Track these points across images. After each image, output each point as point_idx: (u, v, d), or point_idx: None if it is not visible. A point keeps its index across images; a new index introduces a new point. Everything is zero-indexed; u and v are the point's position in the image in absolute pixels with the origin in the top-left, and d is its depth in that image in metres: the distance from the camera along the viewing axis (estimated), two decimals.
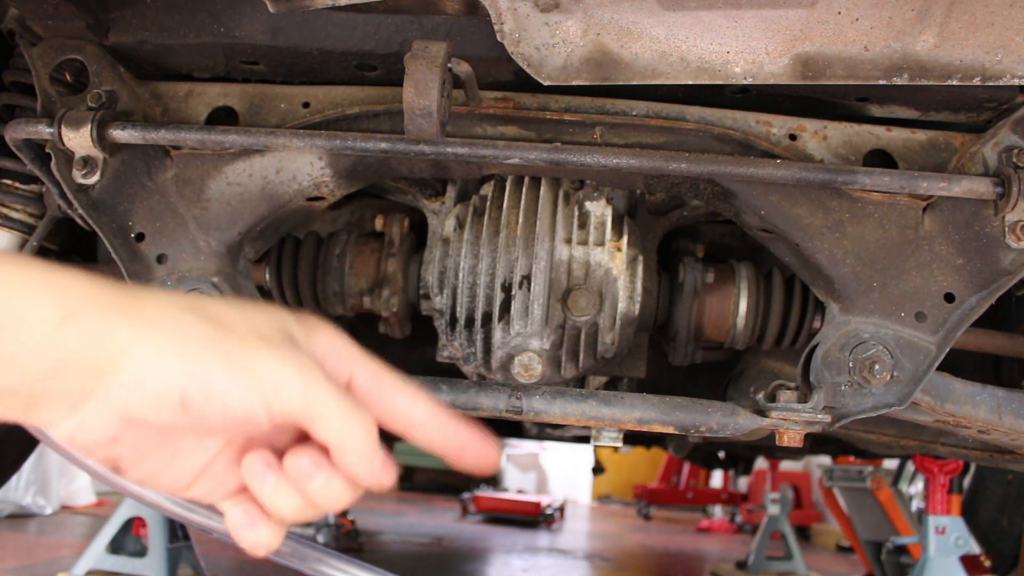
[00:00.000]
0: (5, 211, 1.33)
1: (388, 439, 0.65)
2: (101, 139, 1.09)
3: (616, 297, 1.23)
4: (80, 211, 1.15)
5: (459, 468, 0.61)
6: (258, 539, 0.57)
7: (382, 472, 0.56)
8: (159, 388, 0.50)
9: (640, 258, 1.26)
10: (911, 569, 2.78)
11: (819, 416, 1.06)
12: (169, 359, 0.50)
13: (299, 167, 1.14)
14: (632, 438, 3.25)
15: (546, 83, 1.00)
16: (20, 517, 3.79)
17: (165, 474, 0.55)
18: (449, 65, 0.96)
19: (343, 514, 4.16)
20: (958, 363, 1.17)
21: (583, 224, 1.25)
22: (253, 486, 0.56)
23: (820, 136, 1.12)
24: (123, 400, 0.50)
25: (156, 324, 0.51)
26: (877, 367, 1.06)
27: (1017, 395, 1.13)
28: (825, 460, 4.42)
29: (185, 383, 0.50)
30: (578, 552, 4.78)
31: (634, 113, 1.14)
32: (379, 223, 1.38)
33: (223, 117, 1.18)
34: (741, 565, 3.97)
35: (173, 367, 0.50)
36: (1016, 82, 0.97)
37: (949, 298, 1.08)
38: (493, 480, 8.72)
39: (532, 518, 5.96)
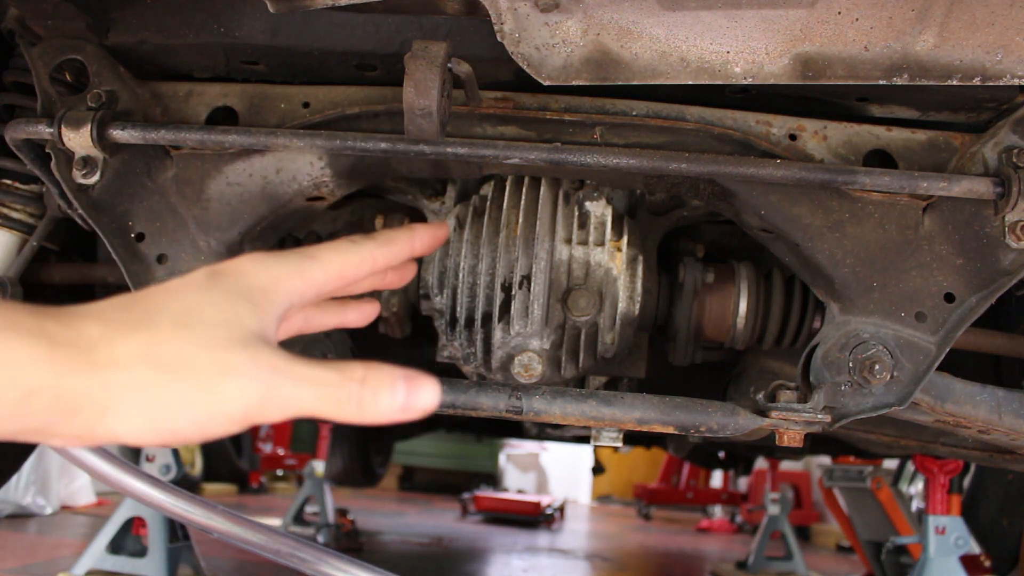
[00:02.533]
0: (5, 211, 1.33)
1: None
2: (101, 139, 1.09)
3: (616, 297, 1.23)
4: (80, 211, 1.15)
5: (421, 255, 0.75)
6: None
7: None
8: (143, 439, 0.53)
9: (640, 258, 1.26)
10: (911, 569, 2.78)
11: (819, 416, 1.06)
12: (139, 424, 0.52)
13: (299, 167, 1.14)
14: (632, 438, 3.25)
15: (546, 83, 1.00)
16: (20, 517, 3.79)
17: None
18: (449, 65, 0.96)
19: (343, 514, 4.17)
20: (958, 363, 1.17)
21: (583, 224, 1.25)
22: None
23: (820, 136, 1.12)
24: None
25: (118, 398, 0.52)
26: (877, 367, 1.06)
27: (1017, 395, 1.13)
28: (825, 460, 4.42)
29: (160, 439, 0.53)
30: (578, 552, 4.78)
31: (634, 113, 1.14)
32: (379, 223, 1.38)
33: (223, 117, 1.18)
34: (741, 565, 3.97)
35: (144, 431, 0.53)
36: (1016, 82, 0.97)
37: (949, 298, 1.08)
38: (493, 480, 8.73)
39: (532, 518, 5.96)
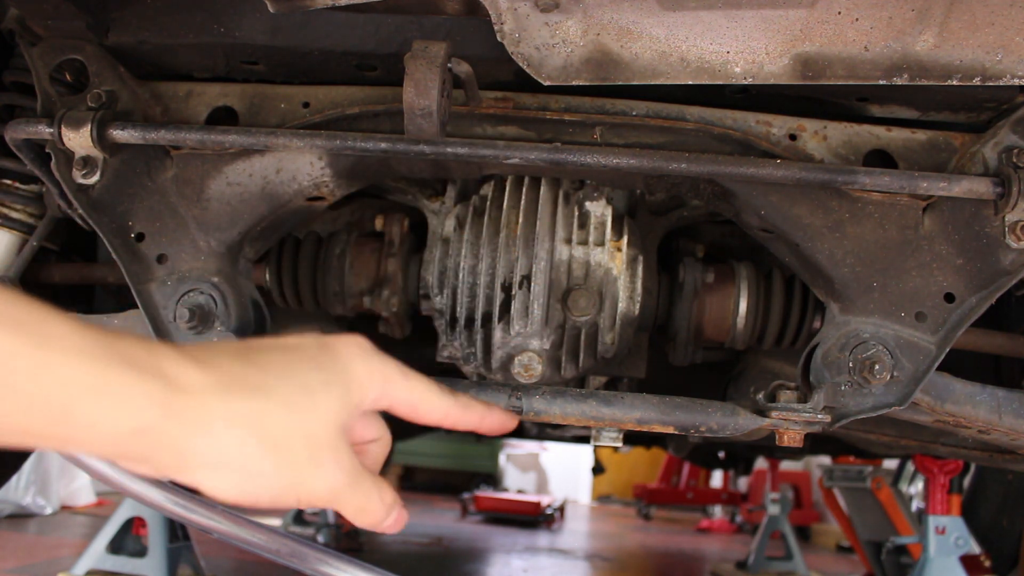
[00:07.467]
0: (5, 211, 1.33)
1: (394, 437, 0.75)
2: (101, 139, 1.09)
3: (616, 297, 1.23)
4: (80, 211, 1.15)
5: (483, 433, 0.79)
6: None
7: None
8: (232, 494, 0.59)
9: (640, 258, 1.26)
10: (911, 569, 2.78)
11: (819, 416, 1.06)
12: (226, 484, 0.58)
13: (299, 167, 1.14)
14: (632, 438, 3.25)
15: (546, 83, 1.00)
16: (20, 517, 3.79)
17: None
18: (449, 65, 0.96)
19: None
20: (958, 363, 1.17)
21: (583, 224, 1.25)
22: None
23: (820, 136, 1.12)
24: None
25: (218, 455, 0.56)
26: (877, 367, 1.06)
27: (1017, 395, 1.13)
28: (825, 460, 4.42)
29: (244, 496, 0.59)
30: (578, 552, 4.78)
31: (634, 113, 1.14)
32: (379, 223, 1.38)
33: (223, 117, 1.18)
34: (741, 565, 3.97)
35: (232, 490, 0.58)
36: (1016, 82, 0.97)
37: (949, 298, 1.08)
38: (493, 480, 8.73)
39: (532, 518, 5.96)
